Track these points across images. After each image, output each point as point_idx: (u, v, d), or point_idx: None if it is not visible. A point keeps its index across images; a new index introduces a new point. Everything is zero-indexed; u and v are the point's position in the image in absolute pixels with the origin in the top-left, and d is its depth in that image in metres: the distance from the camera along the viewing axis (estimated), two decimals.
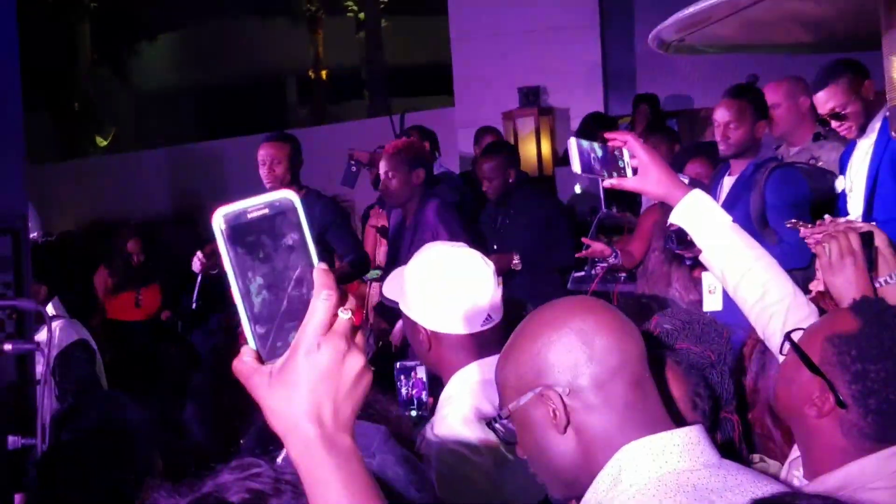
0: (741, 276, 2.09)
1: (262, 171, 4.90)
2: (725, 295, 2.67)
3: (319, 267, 1.02)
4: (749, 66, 7.59)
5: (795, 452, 1.81)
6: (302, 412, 1.02)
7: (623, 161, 2.16)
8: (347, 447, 1.04)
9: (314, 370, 1.01)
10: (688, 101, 9.28)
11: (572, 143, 2.12)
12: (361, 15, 19.06)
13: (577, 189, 7.30)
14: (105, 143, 19.95)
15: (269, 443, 1.81)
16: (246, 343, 1.02)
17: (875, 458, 1.61)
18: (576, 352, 1.44)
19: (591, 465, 1.44)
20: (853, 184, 3.90)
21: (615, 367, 1.43)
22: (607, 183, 2.16)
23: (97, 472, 2.09)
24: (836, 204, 4.16)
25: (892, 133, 1.78)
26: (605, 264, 5.61)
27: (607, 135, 2.19)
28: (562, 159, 8.58)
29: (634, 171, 2.15)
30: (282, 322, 1.02)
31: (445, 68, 9.90)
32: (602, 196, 6.08)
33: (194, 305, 5.00)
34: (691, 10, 1.75)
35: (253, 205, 1.00)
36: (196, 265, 4.75)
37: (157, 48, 21.91)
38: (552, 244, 5.61)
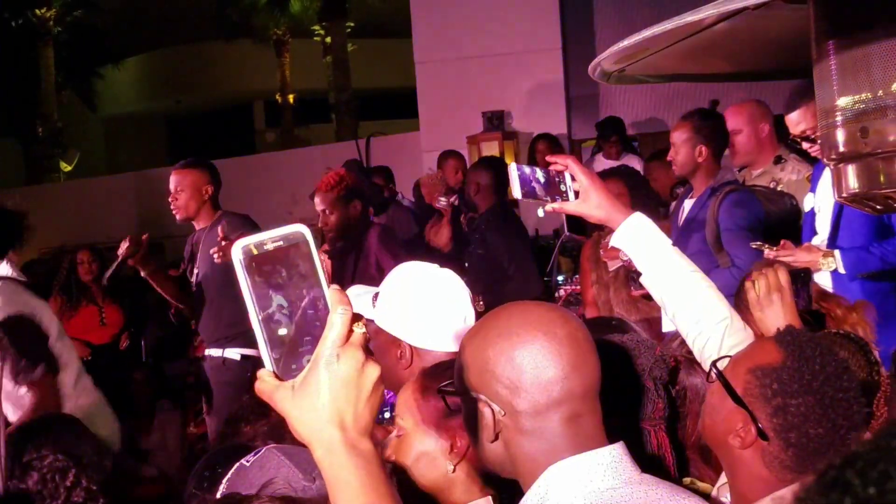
0: (680, 298, 2.13)
1: (170, 200, 4.83)
2: None
3: (333, 287, 1.10)
4: (711, 90, 7.72)
5: (724, 478, 1.83)
6: (325, 419, 1.10)
7: (565, 185, 2.17)
8: (368, 451, 1.11)
9: (335, 379, 1.09)
10: (649, 124, 9.39)
11: (512, 168, 2.15)
12: (328, 39, 19.08)
13: (541, 213, 7.33)
14: (70, 167, 19.79)
15: (219, 465, 1.84)
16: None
17: (796, 488, 1.64)
18: (523, 374, 1.43)
19: (517, 473, 1.48)
20: (822, 203, 3.88)
21: (556, 400, 1.43)
22: (548, 207, 2.18)
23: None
24: (796, 226, 4.18)
25: (823, 160, 1.83)
26: (569, 287, 5.67)
27: (549, 158, 2.22)
28: None
29: (577, 195, 2.18)
30: (294, 346, 1.10)
31: (412, 92, 9.95)
32: (565, 220, 6.12)
33: (105, 280, 4.94)
34: (627, 42, 1.79)
35: (269, 237, 1.08)
36: (121, 249, 4.67)
37: (122, 73, 21.82)
38: (504, 278, 5.58)
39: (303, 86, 21.04)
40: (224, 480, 1.71)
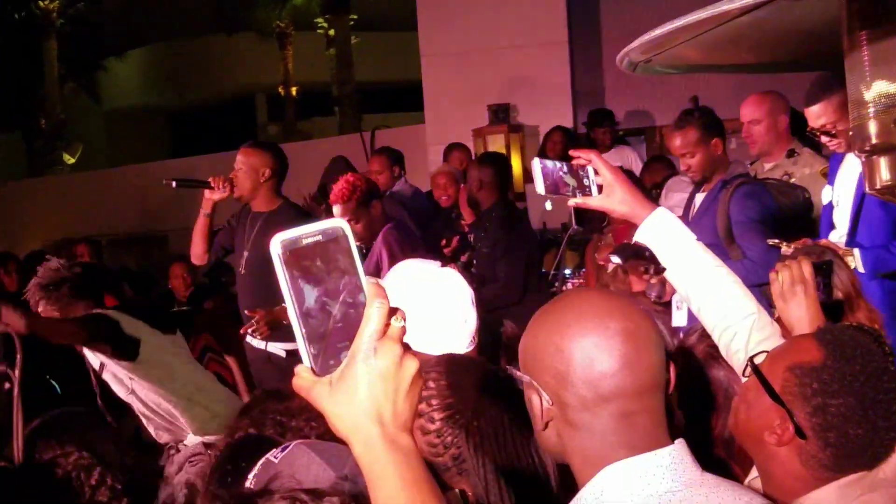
0: (705, 293, 2.11)
1: (231, 176, 4.93)
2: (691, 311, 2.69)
3: (370, 280, 1.08)
4: (716, 84, 7.69)
5: (754, 472, 1.80)
6: (363, 413, 1.07)
7: (588, 179, 2.16)
8: (407, 446, 1.09)
9: (372, 374, 1.07)
10: (654, 118, 9.37)
11: (536, 163, 2.13)
12: (331, 31, 19.05)
13: (548, 206, 7.32)
14: (73, 160, 19.78)
15: (242, 459, 1.81)
16: None
17: (835, 486, 1.61)
18: (571, 367, 1.38)
19: (571, 464, 1.44)
20: (840, 198, 3.83)
21: (604, 396, 1.37)
22: (572, 202, 2.16)
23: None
24: (808, 219, 4.14)
25: (855, 151, 1.81)
26: (576, 280, 5.67)
27: (572, 152, 2.20)
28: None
29: (600, 190, 2.16)
30: (333, 341, 1.08)
31: (416, 85, 9.92)
32: (572, 213, 6.10)
33: (174, 183, 4.95)
34: (657, 32, 1.77)
35: (307, 231, 1.06)
36: (217, 182, 4.85)
37: (125, 66, 21.81)
38: (489, 278, 5.45)
39: (306, 79, 21.00)
40: (250, 476, 1.67)
